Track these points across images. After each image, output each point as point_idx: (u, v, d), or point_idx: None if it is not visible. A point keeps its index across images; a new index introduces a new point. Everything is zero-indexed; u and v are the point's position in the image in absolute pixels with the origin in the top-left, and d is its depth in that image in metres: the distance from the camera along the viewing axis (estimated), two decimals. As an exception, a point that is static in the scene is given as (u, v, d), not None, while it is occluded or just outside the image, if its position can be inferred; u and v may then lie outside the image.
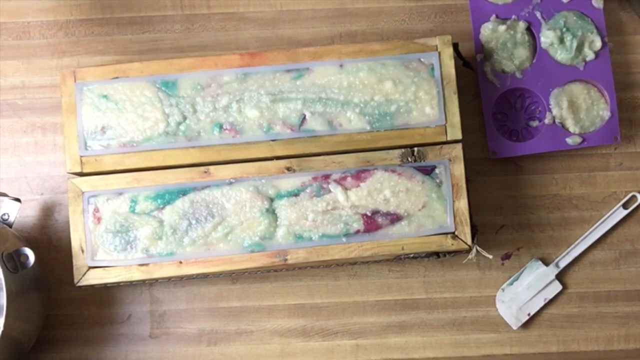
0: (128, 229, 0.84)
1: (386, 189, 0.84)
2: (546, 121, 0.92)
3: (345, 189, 0.84)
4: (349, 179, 0.85)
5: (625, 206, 0.94)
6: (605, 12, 0.94)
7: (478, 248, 0.87)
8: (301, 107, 0.84)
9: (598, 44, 0.92)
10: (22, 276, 0.81)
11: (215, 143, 0.84)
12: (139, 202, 0.84)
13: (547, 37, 0.92)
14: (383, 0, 0.97)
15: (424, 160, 0.85)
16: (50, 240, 0.93)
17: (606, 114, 0.93)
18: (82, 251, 0.84)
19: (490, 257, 0.89)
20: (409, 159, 0.85)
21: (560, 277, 0.93)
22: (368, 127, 0.85)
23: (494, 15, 0.93)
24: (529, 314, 0.92)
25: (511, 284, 0.92)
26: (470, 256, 0.88)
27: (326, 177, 0.85)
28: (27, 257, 0.81)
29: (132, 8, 0.96)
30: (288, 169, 0.84)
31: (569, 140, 0.92)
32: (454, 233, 0.85)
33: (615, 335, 0.93)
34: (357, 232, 0.84)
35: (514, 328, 0.92)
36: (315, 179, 0.85)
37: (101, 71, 0.85)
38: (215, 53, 0.95)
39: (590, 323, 0.93)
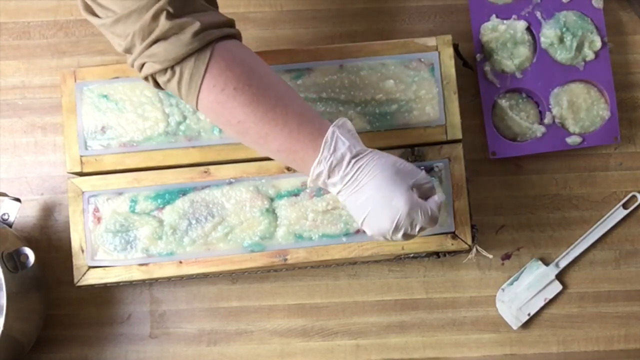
0: (128, 229, 0.84)
1: (386, 188, 0.84)
2: (546, 121, 0.92)
3: (346, 188, 0.84)
4: (349, 178, 0.85)
5: (625, 206, 0.94)
6: (605, 12, 0.94)
7: (478, 248, 0.87)
8: (301, 107, 0.84)
9: (598, 44, 0.92)
10: (22, 276, 0.81)
11: (215, 143, 0.84)
12: (139, 201, 0.84)
13: (547, 37, 0.92)
14: (383, 0, 0.97)
15: (424, 160, 0.85)
16: (50, 240, 0.93)
17: (606, 114, 0.93)
18: (82, 251, 0.84)
19: (490, 257, 0.89)
20: (409, 158, 0.85)
21: (560, 277, 0.93)
22: (368, 127, 0.85)
23: (494, 15, 0.93)
24: (529, 314, 0.92)
25: (511, 284, 0.92)
26: (470, 256, 0.88)
27: (326, 177, 0.85)
28: (27, 257, 0.81)
29: (132, 8, 0.96)
30: (288, 168, 0.84)
31: (569, 140, 0.92)
32: (454, 233, 0.85)
33: (615, 335, 0.93)
34: (357, 231, 0.84)
35: (514, 328, 0.92)
36: (315, 178, 0.84)
37: (101, 71, 0.86)
38: (215, 53, 0.95)
39: (590, 323, 0.93)
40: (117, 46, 0.70)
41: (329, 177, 0.70)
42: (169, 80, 0.70)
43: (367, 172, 0.70)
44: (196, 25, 0.67)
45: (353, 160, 0.70)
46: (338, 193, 0.72)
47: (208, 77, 0.69)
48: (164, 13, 0.66)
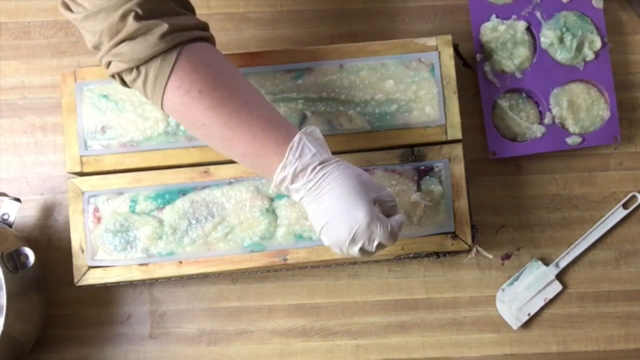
0: (128, 229, 0.84)
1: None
2: (546, 121, 0.92)
3: (346, 188, 0.84)
4: (349, 178, 0.84)
5: (625, 206, 0.94)
6: (605, 12, 0.94)
7: (478, 248, 0.87)
8: (302, 107, 0.84)
9: (598, 44, 0.92)
10: (22, 276, 0.81)
11: (215, 143, 0.84)
12: (139, 201, 0.84)
13: (547, 37, 0.92)
14: (383, 0, 0.97)
15: (424, 160, 0.85)
16: (50, 240, 0.93)
17: (606, 114, 0.93)
18: (82, 251, 0.84)
19: (490, 257, 0.89)
20: (409, 158, 0.85)
21: (560, 277, 0.93)
22: (368, 127, 0.85)
23: (494, 15, 0.93)
24: (529, 314, 0.92)
25: (511, 284, 0.92)
26: (470, 256, 0.88)
27: (326, 177, 0.84)
28: (27, 257, 0.81)
29: (132, 8, 0.96)
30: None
31: (569, 140, 0.92)
32: (454, 233, 0.85)
33: (615, 335, 0.93)
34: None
35: (514, 328, 0.92)
36: (315, 178, 0.84)
37: (101, 71, 0.85)
38: (215, 53, 0.95)
39: (590, 323, 0.93)
40: (87, 42, 0.71)
41: (292, 182, 0.70)
42: (134, 80, 0.70)
43: (331, 180, 0.69)
44: (164, 27, 0.67)
45: (318, 167, 0.69)
46: (300, 199, 0.71)
47: (173, 79, 0.68)
48: (132, 14, 0.66)
